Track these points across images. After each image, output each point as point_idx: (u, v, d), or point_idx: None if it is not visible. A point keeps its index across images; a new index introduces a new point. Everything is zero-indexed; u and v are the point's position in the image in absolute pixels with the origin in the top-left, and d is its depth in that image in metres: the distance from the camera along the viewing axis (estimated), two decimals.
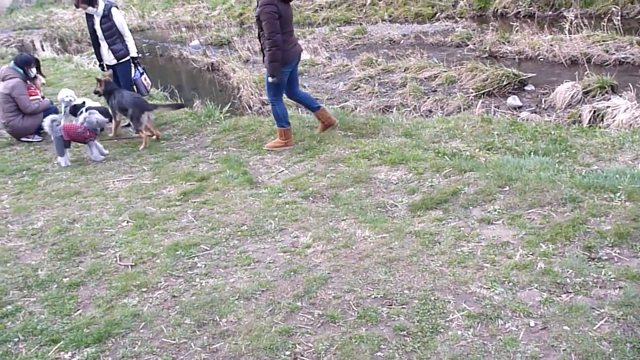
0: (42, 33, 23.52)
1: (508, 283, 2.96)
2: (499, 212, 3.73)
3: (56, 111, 6.94)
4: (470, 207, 3.85)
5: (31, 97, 6.86)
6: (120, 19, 6.66)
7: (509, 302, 2.80)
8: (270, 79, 5.38)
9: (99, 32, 6.58)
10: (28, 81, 6.93)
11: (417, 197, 4.11)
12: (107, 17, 6.51)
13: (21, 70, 6.85)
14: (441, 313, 2.79)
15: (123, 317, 3.03)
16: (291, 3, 5.37)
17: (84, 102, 6.85)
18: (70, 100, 6.80)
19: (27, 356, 2.83)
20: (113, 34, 6.57)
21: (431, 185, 4.27)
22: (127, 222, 4.31)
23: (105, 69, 6.83)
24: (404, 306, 2.88)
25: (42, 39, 21.12)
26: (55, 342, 2.90)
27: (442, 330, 2.67)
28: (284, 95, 5.72)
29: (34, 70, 7.00)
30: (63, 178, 5.49)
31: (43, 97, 7.15)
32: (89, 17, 6.65)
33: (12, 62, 7.02)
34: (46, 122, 5.82)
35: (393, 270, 3.21)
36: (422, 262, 3.25)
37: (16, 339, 2.98)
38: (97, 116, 5.85)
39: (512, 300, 2.81)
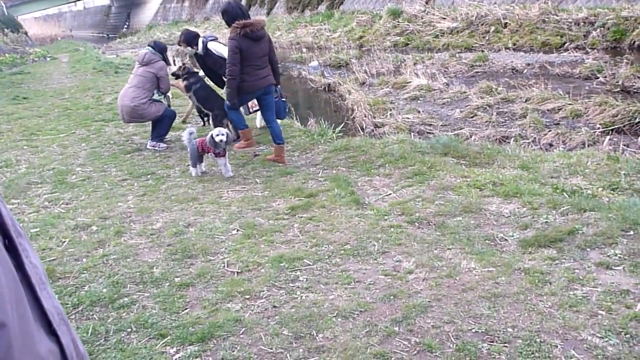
0: (175, 49, 25.35)
1: (625, 335, 2.73)
2: (620, 257, 3.45)
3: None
4: (588, 249, 3.60)
5: None
6: (219, 48, 7.04)
7: (625, 356, 2.58)
8: (228, 103, 6.18)
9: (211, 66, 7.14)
10: None
11: (530, 233, 3.92)
12: (207, 54, 7.04)
13: (161, 56, 7.40)
14: (546, 357, 2.63)
15: (226, 321, 3.16)
16: (262, 41, 5.93)
17: None
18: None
19: (137, 346, 3.02)
20: (221, 65, 6.97)
21: (546, 222, 4.06)
22: (237, 230, 4.49)
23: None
24: (506, 345, 2.75)
25: (175, 55, 22.75)
26: (163, 337, 3.09)
27: None
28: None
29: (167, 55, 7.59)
30: (182, 184, 5.85)
31: None
32: (198, 56, 7.20)
33: (151, 47, 7.45)
34: (184, 134, 6.17)
35: (497, 306, 3.07)
36: (530, 301, 3.09)
37: (129, 329, 3.20)
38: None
39: (629, 354, 2.59)
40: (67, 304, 3.51)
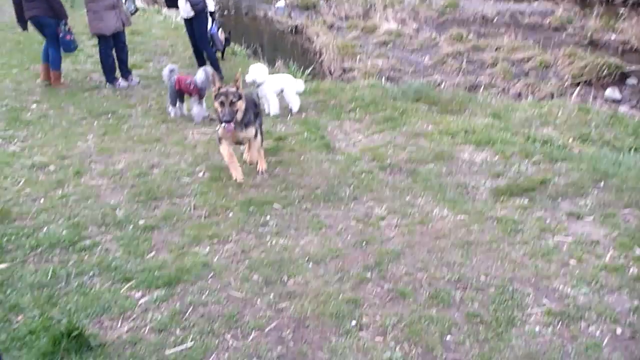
0: None
1: (595, 284, 2.76)
2: (590, 208, 3.48)
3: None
4: (559, 199, 3.61)
5: None
6: None
7: (595, 305, 2.61)
8: None
9: None
10: None
11: (502, 182, 3.91)
12: None
13: None
14: (519, 305, 2.64)
15: (193, 265, 3.06)
16: None
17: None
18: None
19: (100, 290, 2.90)
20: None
21: (518, 171, 4.05)
22: (204, 173, 4.34)
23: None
24: (478, 292, 2.74)
25: None
26: (128, 281, 2.97)
27: (518, 323, 2.53)
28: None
29: None
30: (145, 124, 5.61)
31: None
32: None
33: None
34: (165, 71, 5.81)
35: (470, 254, 3.06)
36: (502, 250, 3.09)
37: (91, 273, 3.06)
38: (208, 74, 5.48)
39: (599, 303, 2.62)
40: (25, 245, 3.34)
